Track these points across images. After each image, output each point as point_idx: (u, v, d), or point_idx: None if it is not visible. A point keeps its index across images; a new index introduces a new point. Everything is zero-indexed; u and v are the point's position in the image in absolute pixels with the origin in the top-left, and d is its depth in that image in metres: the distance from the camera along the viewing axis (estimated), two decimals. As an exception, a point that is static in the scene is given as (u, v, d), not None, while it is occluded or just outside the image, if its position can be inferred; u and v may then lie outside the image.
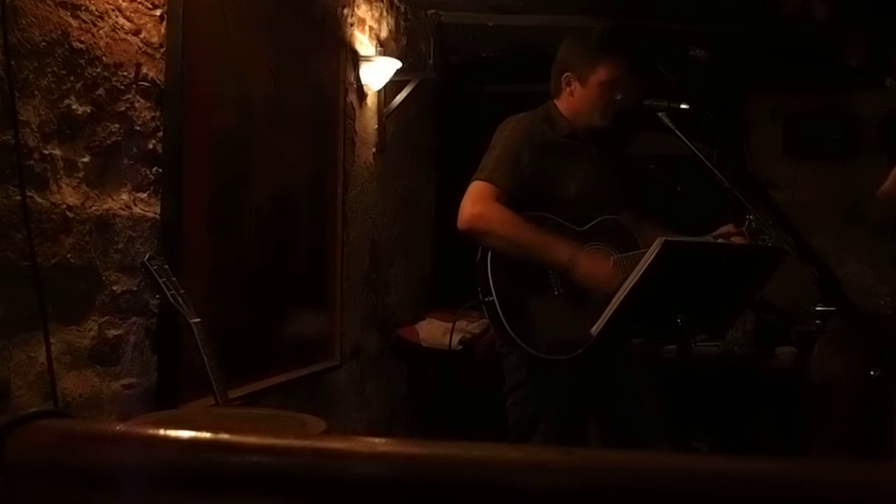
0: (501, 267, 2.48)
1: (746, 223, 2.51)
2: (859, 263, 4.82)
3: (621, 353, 2.63)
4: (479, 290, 2.50)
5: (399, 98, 4.18)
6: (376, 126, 4.12)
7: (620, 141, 2.88)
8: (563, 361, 2.43)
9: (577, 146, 2.65)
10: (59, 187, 2.03)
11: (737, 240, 2.51)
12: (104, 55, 2.18)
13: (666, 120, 2.53)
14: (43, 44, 1.96)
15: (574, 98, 2.64)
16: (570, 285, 2.49)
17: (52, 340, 1.97)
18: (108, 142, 2.21)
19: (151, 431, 0.66)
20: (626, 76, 2.62)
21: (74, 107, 2.07)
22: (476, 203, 2.49)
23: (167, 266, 2.21)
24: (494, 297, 2.44)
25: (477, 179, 2.52)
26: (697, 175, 2.60)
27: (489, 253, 2.48)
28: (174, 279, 2.20)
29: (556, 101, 2.68)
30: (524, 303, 2.48)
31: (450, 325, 4.11)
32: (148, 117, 2.37)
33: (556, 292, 2.50)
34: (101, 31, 2.16)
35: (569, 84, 2.65)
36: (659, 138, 2.71)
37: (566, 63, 2.66)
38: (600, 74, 2.59)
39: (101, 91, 2.17)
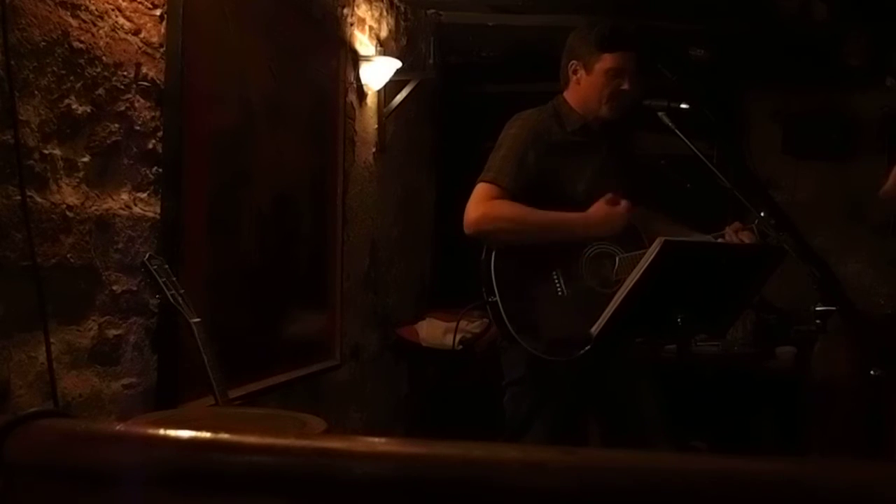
0: (505, 267, 2.48)
1: (756, 221, 2.50)
2: (859, 263, 4.82)
3: (620, 353, 2.63)
4: (483, 290, 2.50)
5: (399, 98, 4.18)
6: (376, 126, 4.12)
7: (631, 138, 2.86)
8: (563, 360, 2.43)
9: (587, 143, 2.64)
10: (59, 187, 2.03)
11: (745, 236, 2.50)
12: (104, 55, 2.18)
13: (666, 120, 2.53)
14: (43, 44, 1.96)
15: (580, 87, 2.64)
16: (573, 285, 2.49)
17: (52, 340, 1.97)
18: (108, 142, 2.21)
19: (151, 431, 0.66)
20: (633, 67, 2.61)
21: (74, 107, 2.07)
22: (479, 205, 2.49)
23: (167, 266, 2.21)
24: (497, 297, 2.45)
25: (482, 181, 2.52)
26: (698, 174, 2.59)
27: (493, 253, 2.49)
28: (174, 279, 2.20)
29: (564, 95, 2.68)
30: (527, 303, 2.48)
31: (450, 324, 4.11)
32: (148, 117, 2.37)
33: (559, 293, 2.50)
34: (101, 31, 2.16)
35: (575, 72, 2.64)
36: (659, 138, 2.70)
37: (573, 52, 2.66)
38: (605, 62, 2.59)
39: (101, 91, 2.17)
